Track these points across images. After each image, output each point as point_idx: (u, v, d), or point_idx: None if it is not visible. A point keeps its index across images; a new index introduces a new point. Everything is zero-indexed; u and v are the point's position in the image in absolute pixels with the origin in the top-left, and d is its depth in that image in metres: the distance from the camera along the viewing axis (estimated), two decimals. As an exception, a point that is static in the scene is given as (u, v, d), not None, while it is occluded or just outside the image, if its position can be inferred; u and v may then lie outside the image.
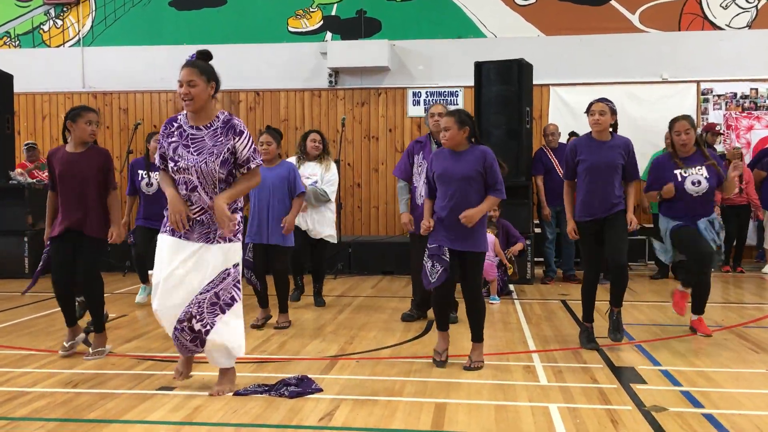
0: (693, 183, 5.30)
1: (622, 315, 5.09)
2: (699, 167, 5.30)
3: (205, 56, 3.94)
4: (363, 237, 10.20)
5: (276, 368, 4.52)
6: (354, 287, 8.18)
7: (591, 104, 5.03)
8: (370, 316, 6.30)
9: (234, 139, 3.85)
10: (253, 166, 3.91)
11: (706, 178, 5.29)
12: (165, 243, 3.91)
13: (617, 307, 5.05)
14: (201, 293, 3.86)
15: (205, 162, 3.81)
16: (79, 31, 11.14)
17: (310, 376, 4.20)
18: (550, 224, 8.56)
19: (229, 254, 3.92)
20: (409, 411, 3.65)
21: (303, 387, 3.98)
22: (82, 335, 4.99)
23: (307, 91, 10.71)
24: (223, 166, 3.84)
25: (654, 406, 3.70)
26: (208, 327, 3.86)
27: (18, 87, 9.70)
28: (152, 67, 10.55)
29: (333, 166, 7.00)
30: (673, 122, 5.41)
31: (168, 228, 3.91)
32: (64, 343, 4.90)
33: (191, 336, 3.89)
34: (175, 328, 3.90)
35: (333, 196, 6.95)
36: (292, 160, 6.78)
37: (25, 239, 8.74)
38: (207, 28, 10.84)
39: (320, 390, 3.99)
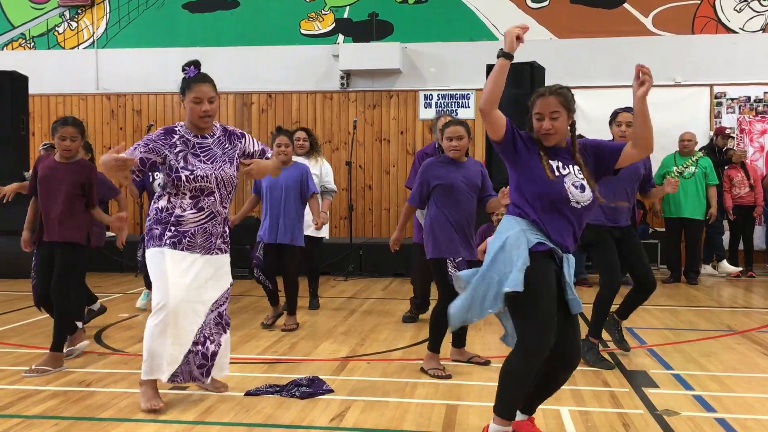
0: (575, 187, 3.06)
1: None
2: (575, 167, 3.12)
3: (199, 66, 3.90)
4: (374, 239, 10.21)
5: (287, 369, 4.53)
6: (365, 289, 8.19)
7: (617, 113, 4.78)
8: (381, 318, 6.31)
9: (240, 143, 3.90)
10: (269, 155, 3.99)
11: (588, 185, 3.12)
12: (168, 257, 3.69)
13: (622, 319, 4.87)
14: (209, 312, 3.83)
15: (223, 169, 3.80)
16: (93, 33, 11.22)
17: (321, 377, 4.21)
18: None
19: (226, 268, 3.93)
20: (420, 412, 3.66)
21: (314, 388, 3.99)
22: (85, 342, 4.88)
23: (318, 93, 10.74)
24: (236, 171, 3.90)
25: (666, 410, 3.68)
26: (216, 348, 3.86)
27: (33, 89, 9.77)
28: (165, 69, 10.60)
29: (325, 162, 6.88)
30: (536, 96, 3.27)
31: (168, 240, 3.70)
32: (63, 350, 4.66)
33: (200, 362, 3.78)
34: (189, 351, 3.74)
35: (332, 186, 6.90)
36: None
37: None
38: (220, 30, 10.89)
39: (331, 391, 4.00)
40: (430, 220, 4.45)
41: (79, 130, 4.68)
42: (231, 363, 4.59)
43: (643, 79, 3.03)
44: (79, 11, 11.23)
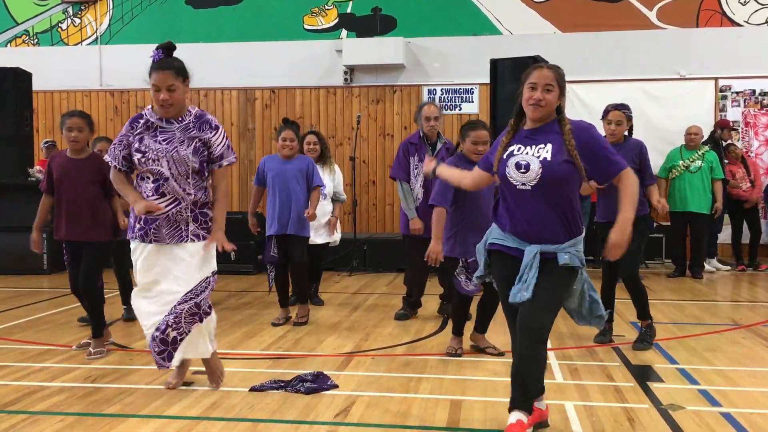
0: (518, 166, 3.09)
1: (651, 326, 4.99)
2: (544, 145, 3.08)
3: (170, 50, 3.78)
4: (378, 234, 10.20)
5: (292, 364, 4.54)
6: (369, 284, 8.19)
7: (608, 111, 4.88)
8: (385, 314, 6.30)
9: (209, 133, 3.77)
10: (225, 163, 3.83)
11: (542, 161, 3.04)
12: (137, 249, 3.83)
13: (644, 320, 4.96)
14: (180, 303, 3.78)
15: (176, 150, 3.69)
16: (96, 29, 11.22)
17: (325, 372, 4.22)
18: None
19: (207, 257, 3.84)
20: (424, 407, 3.66)
21: (319, 383, 4.00)
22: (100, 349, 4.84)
23: (322, 88, 10.73)
24: (196, 155, 3.73)
25: (671, 405, 3.68)
26: (184, 335, 3.83)
27: (37, 85, 9.79)
28: (169, 65, 10.57)
29: (337, 169, 6.90)
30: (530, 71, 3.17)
31: (137, 233, 3.78)
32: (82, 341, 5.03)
33: (160, 348, 3.82)
34: (152, 336, 3.85)
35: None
36: None
37: (44, 236, 8.78)
38: (223, 26, 10.88)
39: (336, 386, 4.00)
40: (451, 220, 4.54)
41: (86, 121, 4.77)
42: (235, 359, 4.62)
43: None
44: (83, 7, 11.23)
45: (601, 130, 4.94)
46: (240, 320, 5.95)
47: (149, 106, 3.82)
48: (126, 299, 6.01)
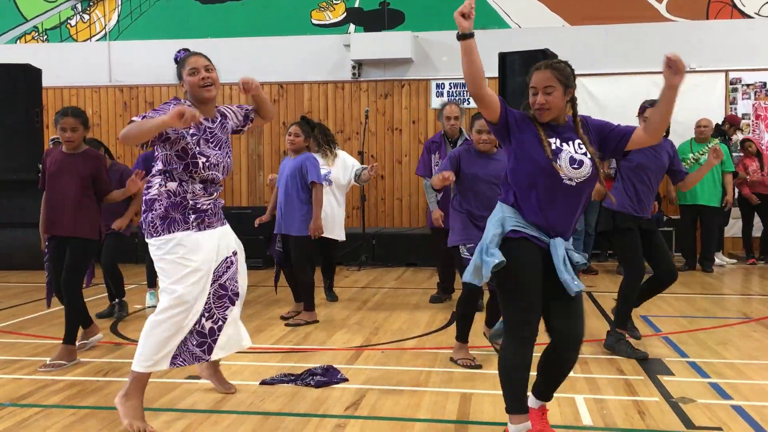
0: (572, 161, 3.00)
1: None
2: (578, 141, 3.06)
3: (188, 50, 3.71)
4: (386, 229, 10.21)
5: (302, 358, 4.56)
6: (378, 279, 8.20)
7: (645, 108, 4.78)
8: (395, 308, 6.32)
9: (227, 122, 3.65)
10: (251, 108, 3.75)
11: (590, 159, 3.03)
12: (199, 241, 3.43)
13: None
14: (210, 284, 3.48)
15: (228, 156, 3.63)
16: (105, 25, 11.25)
17: (335, 366, 4.23)
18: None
19: (229, 237, 3.62)
20: (434, 401, 3.67)
21: (329, 377, 4.01)
22: (98, 336, 4.88)
23: (330, 83, 10.73)
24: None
25: (682, 398, 3.67)
26: (221, 323, 3.50)
27: (46, 81, 9.82)
28: (177, 61, 10.60)
29: (341, 155, 6.65)
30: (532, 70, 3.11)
31: (194, 224, 3.43)
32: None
33: (198, 341, 3.46)
34: (191, 330, 3.43)
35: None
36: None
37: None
38: (231, 21, 10.89)
39: (346, 380, 4.02)
40: (451, 209, 4.57)
41: (80, 120, 4.58)
42: (246, 353, 4.63)
43: (677, 69, 2.97)
44: (91, 3, 11.26)
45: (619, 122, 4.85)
46: (251, 314, 5.97)
47: (187, 102, 3.49)
48: (115, 294, 5.96)
